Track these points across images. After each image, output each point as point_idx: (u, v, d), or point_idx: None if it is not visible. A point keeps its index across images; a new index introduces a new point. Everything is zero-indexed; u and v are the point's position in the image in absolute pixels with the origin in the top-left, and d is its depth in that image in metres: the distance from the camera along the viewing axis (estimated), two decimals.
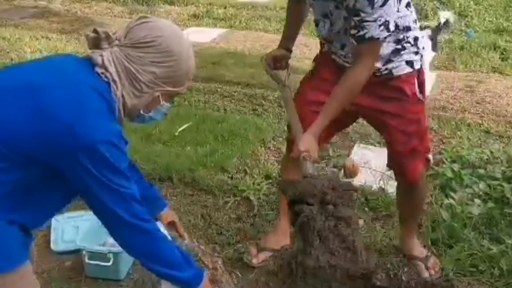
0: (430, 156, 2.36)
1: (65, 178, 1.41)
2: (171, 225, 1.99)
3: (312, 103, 2.16)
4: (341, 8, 1.95)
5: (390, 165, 2.39)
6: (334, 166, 3.35)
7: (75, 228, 2.57)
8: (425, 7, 6.82)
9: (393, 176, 3.00)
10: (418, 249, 2.45)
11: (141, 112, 1.51)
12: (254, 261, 2.48)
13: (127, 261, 2.36)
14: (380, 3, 1.84)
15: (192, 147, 3.52)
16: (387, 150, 2.34)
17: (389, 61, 2.08)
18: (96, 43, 1.46)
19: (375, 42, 1.91)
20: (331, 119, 2.01)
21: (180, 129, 3.75)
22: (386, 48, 2.04)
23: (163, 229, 1.91)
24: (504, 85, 4.66)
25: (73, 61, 1.52)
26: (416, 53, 2.11)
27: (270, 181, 3.13)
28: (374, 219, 2.80)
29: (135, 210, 1.47)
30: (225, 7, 7.08)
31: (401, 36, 2.04)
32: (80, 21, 6.88)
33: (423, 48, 2.16)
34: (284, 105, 2.30)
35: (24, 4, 7.86)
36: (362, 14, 1.86)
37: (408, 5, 2.03)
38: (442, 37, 5.28)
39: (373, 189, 3.03)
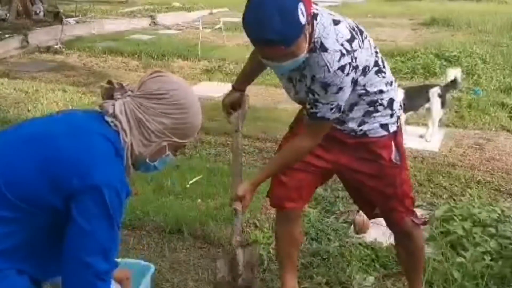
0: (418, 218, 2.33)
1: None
2: (121, 282, 1.96)
3: None
4: (303, 82, 2.00)
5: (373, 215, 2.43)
6: (345, 222, 3.35)
7: None
8: (433, 65, 6.99)
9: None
10: None
11: (147, 160, 1.55)
12: None
13: None
14: (334, 91, 1.90)
15: (202, 200, 3.55)
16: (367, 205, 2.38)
17: (363, 122, 2.10)
18: (110, 93, 1.53)
19: (325, 121, 2.00)
20: (272, 176, 2.21)
21: (191, 182, 3.79)
22: (359, 110, 2.07)
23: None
24: None
25: (83, 112, 1.61)
26: (391, 115, 2.12)
27: None
28: (385, 276, 2.77)
29: (101, 268, 1.44)
30: (237, 63, 7.28)
31: (375, 98, 2.06)
32: (95, 74, 7.09)
33: (400, 108, 2.18)
34: (232, 151, 2.37)
35: (42, 58, 8.13)
36: (316, 96, 1.94)
37: (378, 71, 2.03)
38: (451, 94, 5.37)
39: (383, 245, 3.01)
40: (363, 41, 1.95)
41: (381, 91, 2.05)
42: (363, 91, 2.02)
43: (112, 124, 1.48)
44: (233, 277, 2.19)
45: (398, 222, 2.28)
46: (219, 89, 6.29)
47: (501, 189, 3.82)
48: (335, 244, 3.05)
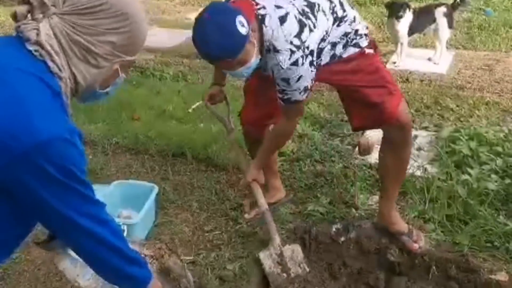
0: None
1: (15, 202, 1.14)
2: None
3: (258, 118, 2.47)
4: (267, 73, 2.10)
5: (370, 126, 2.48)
6: (349, 144, 3.32)
7: None
8: None
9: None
10: (401, 224, 2.42)
11: (97, 89, 1.26)
12: (246, 215, 2.59)
13: (140, 233, 2.38)
14: (295, 80, 2.03)
15: (205, 124, 3.52)
16: (363, 113, 2.30)
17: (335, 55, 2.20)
18: (27, 13, 1.16)
19: (299, 103, 2.14)
20: (267, 159, 2.45)
21: (193, 106, 3.73)
22: (332, 51, 2.16)
23: None
24: None
25: None
26: (360, 37, 2.22)
27: (284, 157, 3.11)
28: None
29: (94, 213, 1.24)
30: None
31: (343, 40, 2.16)
32: None
33: (367, 27, 2.26)
34: (231, 148, 2.59)
35: None
36: (282, 86, 2.07)
37: (339, 23, 2.12)
38: (461, 15, 5.19)
39: None
40: (316, 17, 2.04)
41: (346, 34, 2.15)
42: (332, 43, 2.13)
43: (37, 54, 1.14)
44: (282, 271, 2.26)
45: (393, 110, 2.22)
46: None
47: (510, 109, 3.75)
48: (339, 166, 3.04)
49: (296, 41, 1.98)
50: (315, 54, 2.05)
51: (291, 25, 1.99)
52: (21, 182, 1.09)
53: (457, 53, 4.89)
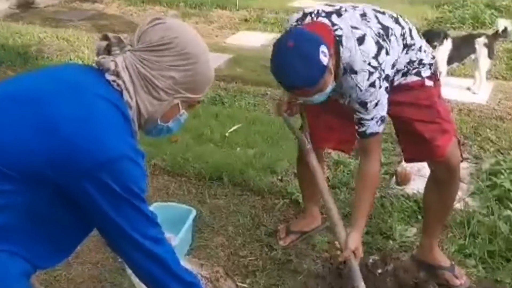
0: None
1: (78, 207, 1.24)
2: None
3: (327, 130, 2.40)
4: (344, 99, 2.06)
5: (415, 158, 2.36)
6: (386, 173, 3.29)
7: None
8: (483, 15, 6.65)
9: None
10: (443, 259, 2.39)
11: (159, 122, 1.37)
12: (281, 242, 2.60)
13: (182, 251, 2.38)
14: (373, 105, 1.98)
15: (242, 149, 3.54)
16: (413, 147, 2.27)
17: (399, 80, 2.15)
18: (106, 50, 1.33)
19: (376, 136, 2.08)
20: (367, 215, 2.20)
21: (230, 130, 3.77)
22: (399, 75, 2.10)
23: None
24: None
25: (77, 68, 1.40)
26: (423, 66, 2.15)
27: None
28: None
29: (151, 232, 1.32)
30: (277, 12, 7.10)
31: (406, 68, 2.11)
32: (135, 23, 7.05)
33: (432, 57, 2.18)
34: (312, 171, 2.25)
35: (82, 7, 8.14)
36: (359, 114, 2.02)
37: (407, 50, 2.06)
38: (501, 45, 5.13)
39: None
40: (390, 41, 1.99)
41: (410, 61, 2.11)
42: (397, 70, 2.09)
43: (114, 83, 1.28)
44: None
45: (443, 149, 2.17)
46: (258, 38, 6.19)
47: None
48: (376, 195, 3.00)
49: (374, 62, 1.93)
50: (389, 80, 2.00)
51: (369, 46, 1.93)
52: (86, 194, 1.20)
53: (497, 83, 4.82)
